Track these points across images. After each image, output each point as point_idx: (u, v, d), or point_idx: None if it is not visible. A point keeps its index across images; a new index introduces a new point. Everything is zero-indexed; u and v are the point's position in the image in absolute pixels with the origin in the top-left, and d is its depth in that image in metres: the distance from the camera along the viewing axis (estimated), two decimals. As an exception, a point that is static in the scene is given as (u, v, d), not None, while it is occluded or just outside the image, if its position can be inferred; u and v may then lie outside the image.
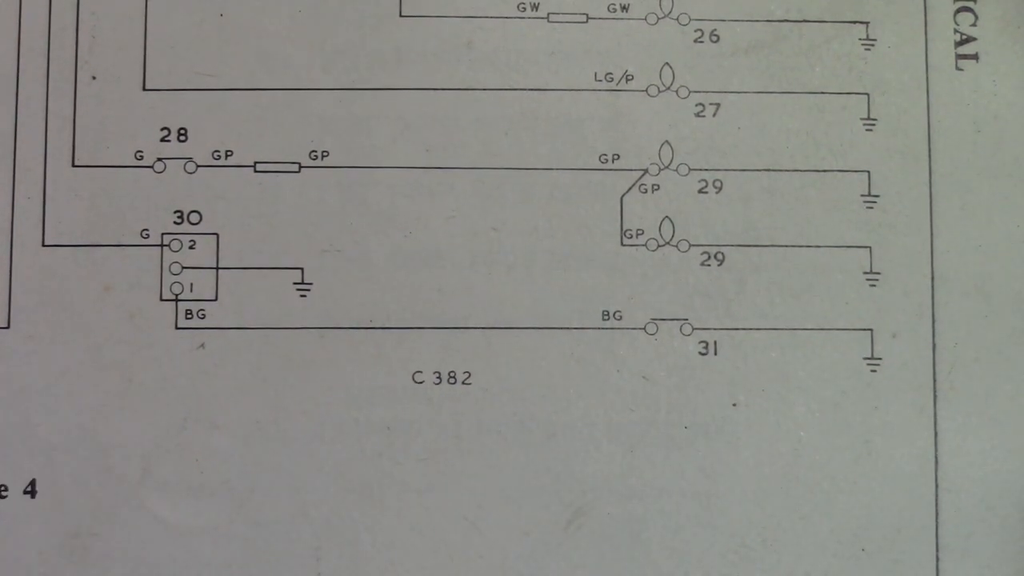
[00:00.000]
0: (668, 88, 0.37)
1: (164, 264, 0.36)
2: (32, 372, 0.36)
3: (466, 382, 0.36)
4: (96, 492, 0.35)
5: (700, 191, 0.37)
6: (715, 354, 0.36)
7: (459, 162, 0.37)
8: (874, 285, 0.37)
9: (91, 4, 0.37)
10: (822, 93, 0.37)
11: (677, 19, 0.38)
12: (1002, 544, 0.36)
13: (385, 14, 0.37)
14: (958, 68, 0.38)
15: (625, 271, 0.37)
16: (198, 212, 0.36)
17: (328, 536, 0.36)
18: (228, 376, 0.36)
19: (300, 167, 0.36)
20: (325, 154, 0.37)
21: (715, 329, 0.37)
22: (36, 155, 0.36)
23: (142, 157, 0.36)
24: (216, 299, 0.36)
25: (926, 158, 0.37)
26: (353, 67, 0.37)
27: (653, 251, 0.37)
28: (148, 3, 0.37)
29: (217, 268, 0.36)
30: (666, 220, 0.37)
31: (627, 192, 0.37)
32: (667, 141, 0.37)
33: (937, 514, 0.36)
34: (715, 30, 0.38)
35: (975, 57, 0.38)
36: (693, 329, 0.37)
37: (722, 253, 0.37)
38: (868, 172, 0.37)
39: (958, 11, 0.38)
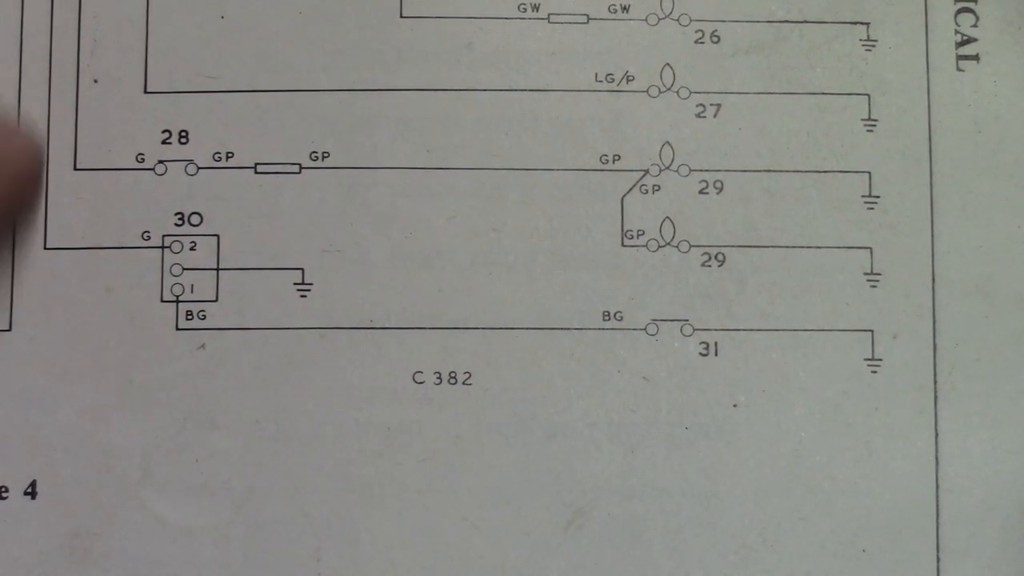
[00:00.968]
0: (669, 89, 0.37)
1: (165, 265, 0.36)
2: (34, 373, 0.36)
3: (466, 382, 0.36)
4: (96, 492, 0.36)
5: (701, 192, 0.37)
6: (716, 355, 0.36)
7: (459, 163, 0.37)
8: (875, 286, 0.37)
9: (93, 7, 0.37)
10: (823, 94, 0.37)
11: (678, 20, 0.38)
12: (1003, 545, 0.36)
13: (386, 15, 0.37)
14: (959, 69, 0.38)
15: (626, 272, 0.37)
16: (199, 214, 0.36)
17: (328, 536, 0.36)
18: (228, 376, 0.36)
19: (301, 168, 0.37)
20: (326, 155, 0.37)
21: (716, 330, 0.37)
22: (38, 157, 0.36)
23: (143, 160, 0.36)
24: (217, 300, 0.36)
25: (927, 159, 0.37)
26: (353, 68, 0.37)
27: (654, 252, 0.37)
28: (149, 6, 0.37)
29: (218, 269, 0.36)
30: (667, 221, 0.37)
31: (628, 193, 0.37)
32: (668, 142, 0.37)
33: (938, 515, 0.36)
34: (716, 31, 0.38)
35: (976, 58, 0.38)
36: (694, 330, 0.37)
37: (723, 254, 0.37)
38: (869, 173, 0.37)
39: (959, 12, 0.38)
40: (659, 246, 0.37)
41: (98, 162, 0.36)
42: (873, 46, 0.38)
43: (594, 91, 0.37)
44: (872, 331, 0.37)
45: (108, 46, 0.37)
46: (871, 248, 0.37)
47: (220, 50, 0.37)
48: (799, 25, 0.38)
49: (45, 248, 0.36)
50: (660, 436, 0.36)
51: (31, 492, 0.35)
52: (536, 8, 0.37)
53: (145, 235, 0.36)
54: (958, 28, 0.38)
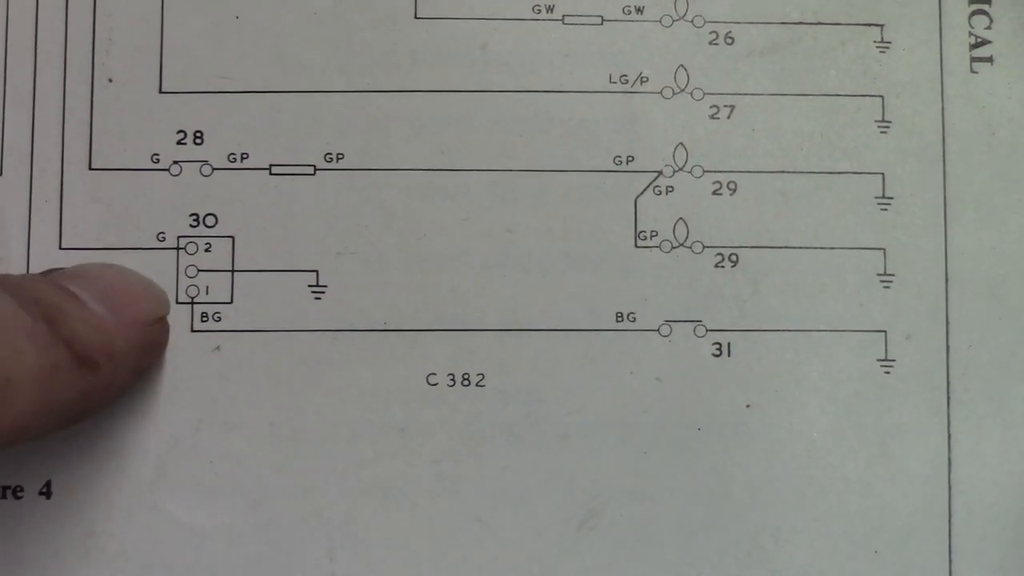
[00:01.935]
0: (683, 90, 0.37)
1: (180, 267, 0.36)
2: (48, 374, 0.36)
3: (480, 384, 0.36)
4: (111, 493, 0.36)
5: (714, 193, 0.37)
6: (729, 355, 0.37)
7: (474, 164, 0.37)
8: (888, 287, 0.37)
9: (108, 7, 0.37)
10: (837, 95, 0.37)
11: (692, 21, 0.38)
12: (1015, 546, 0.36)
13: (400, 16, 0.37)
14: (973, 71, 0.38)
15: (639, 273, 0.37)
16: (214, 215, 0.36)
17: (341, 536, 0.36)
18: (243, 378, 0.36)
19: (315, 169, 0.37)
20: (340, 156, 0.37)
21: (729, 331, 0.37)
22: (53, 158, 0.36)
23: (158, 160, 0.37)
24: (231, 302, 0.36)
25: (940, 160, 0.37)
26: (368, 69, 0.37)
27: (667, 253, 0.37)
28: (164, 6, 0.37)
29: (233, 271, 0.36)
30: (680, 222, 0.37)
31: (641, 194, 0.37)
32: (681, 143, 0.37)
33: (950, 516, 0.36)
34: (730, 32, 0.38)
35: (990, 60, 0.38)
36: (707, 331, 0.37)
37: (736, 255, 0.37)
38: (882, 174, 0.37)
39: (973, 14, 0.38)
40: (672, 247, 0.37)
41: (113, 162, 0.36)
42: (887, 48, 0.38)
43: (608, 92, 0.37)
44: (885, 332, 0.37)
45: (123, 46, 0.37)
46: (884, 249, 0.37)
47: (235, 51, 0.37)
48: (813, 27, 0.38)
49: (60, 248, 0.36)
50: (673, 437, 0.36)
51: (46, 492, 0.36)
52: (551, 9, 0.37)
53: (160, 236, 0.36)
54: (972, 30, 0.38)
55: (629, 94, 0.37)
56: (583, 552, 0.36)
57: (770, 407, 0.36)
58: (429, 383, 0.36)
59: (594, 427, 0.36)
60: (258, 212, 0.36)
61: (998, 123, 0.38)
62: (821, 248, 0.37)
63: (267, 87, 0.37)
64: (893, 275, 0.37)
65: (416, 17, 0.37)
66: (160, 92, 0.37)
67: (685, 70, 0.37)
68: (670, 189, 0.37)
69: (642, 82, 0.37)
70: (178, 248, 0.36)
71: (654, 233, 0.37)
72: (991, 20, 0.38)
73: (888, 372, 0.37)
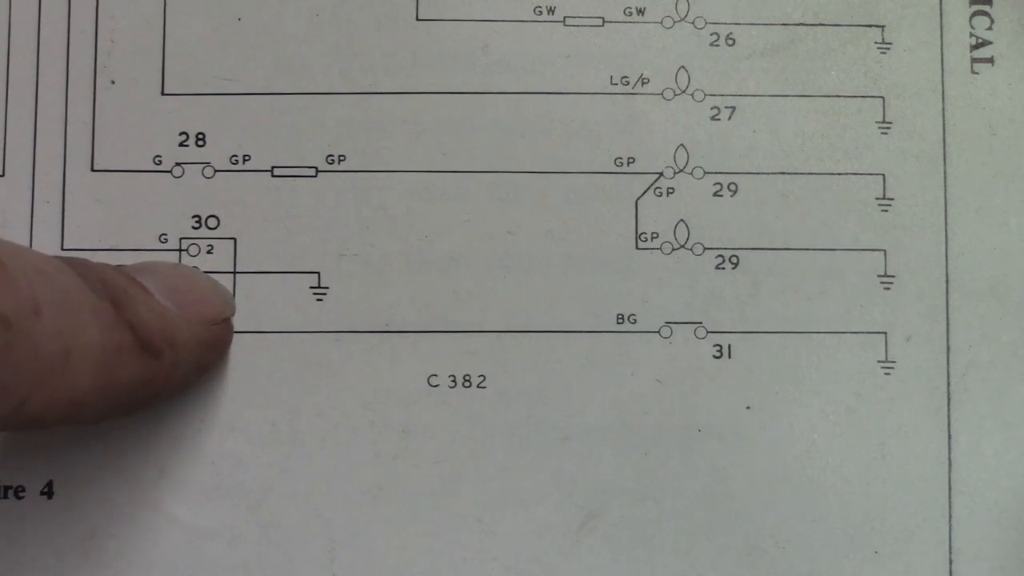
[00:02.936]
0: (684, 91, 0.37)
1: (182, 268, 0.36)
2: (50, 375, 0.36)
3: (481, 385, 0.36)
4: (113, 493, 0.36)
5: (715, 194, 0.37)
6: (729, 357, 0.37)
7: (475, 166, 0.37)
8: (888, 288, 0.37)
9: (110, 8, 0.37)
10: (837, 96, 0.37)
11: (693, 23, 0.38)
12: (1015, 547, 0.36)
13: (402, 18, 0.37)
14: (973, 71, 0.38)
15: (640, 274, 0.37)
16: (216, 216, 0.36)
17: (342, 538, 0.36)
18: (245, 379, 0.36)
19: (317, 171, 0.37)
20: (342, 158, 0.37)
21: (729, 332, 0.37)
22: (55, 159, 0.36)
23: (160, 162, 0.37)
24: (233, 303, 0.36)
25: (941, 161, 0.37)
26: (370, 71, 0.37)
27: (668, 254, 0.37)
28: (167, 8, 0.37)
29: (234, 272, 0.36)
30: (681, 223, 0.37)
31: (642, 195, 0.37)
32: (682, 144, 0.37)
33: (950, 517, 0.36)
34: (731, 33, 0.38)
35: (990, 61, 0.38)
36: (707, 332, 0.37)
37: (737, 256, 0.37)
38: (883, 175, 0.37)
39: (974, 15, 0.38)
40: (673, 248, 0.37)
41: (115, 164, 0.37)
42: (888, 49, 0.38)
43: (609, 94, 0.37)
44: (886, 333, 0.37)
45: (125, 48, 0.37)
46: (885, 250, 0.37)
47: (237, 53, 0.37)
48: (814, 28, 0.38)
49: (62, 249, 0.36)
50: (673, 438, 0.36)
51: (48, 492, 0.36)
52: (552, 11, 0.37)
53: (162, 237, 0.36)
54: (973, 31, 0.38)
55: (630, 95, 0.37)
56: (583, 553, 0.36)
57: (770, 408, 0.36)
58: (430, 384, 0.36)
59: (595, 428, 0.36)
60: (260, 214, 0.36)
61: (999, 124, 0.38)
62: (822, 249, 0.37)
63: (269, 89, 0.37)
64: (893, 276, 0.37)
65: (417, 19, 0.37)
66: (162, 94, 0.37)
67: (686, 71, 0.37)
68: (671, 191, 0.37)
69: (643, 83, 0.37)
70: (180, 250, 0.36)
71: (655, 235, 0.37)
72: (992, 21, 0.38)
73: (888, 373, 0.37)
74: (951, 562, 0.36)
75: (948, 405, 0.37)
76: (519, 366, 0.36)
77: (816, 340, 0.37)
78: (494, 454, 0.36)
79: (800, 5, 0.38)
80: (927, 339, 0.37)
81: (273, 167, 0.37)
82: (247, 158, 0.37)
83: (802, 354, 0.37)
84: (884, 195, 0.37)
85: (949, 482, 0.36)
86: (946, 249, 0.37)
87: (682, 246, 0.37)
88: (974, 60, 0.38)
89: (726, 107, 0.37)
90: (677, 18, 0.38)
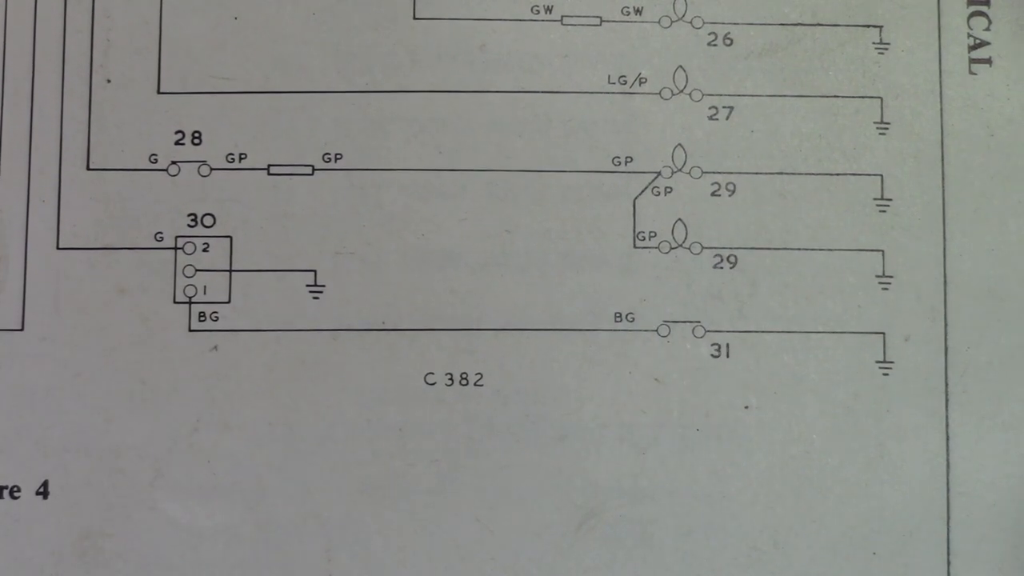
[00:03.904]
0: (681, 91, 0.37)
1: (178, 266, 0.36)
2: (45, 374, 0.36)
3: (478, 383, 0.36)
4: (108, 493, 0.36)
5: (713, 194, 0.37)
6: (727, 357, 0.36)
7: (472, 164, 0.37)
8: (886, 288, 0.37)
9: (106, 7, 0.37)
10: (835, 97, 0.37)
11: (691, 22, 0.38)
12: (1013, 548, 0.36)
13: (399, 16, 0.37)
14: (971, 72, 0.38)
15: (638, 273, 0.37)
16: (212, 215, 0.36)
17: (339, 537, 0.36)
18: (241, 378, 0.36)
19: (314, 169, 0.37)
20: (339, 156, 0.37)
21: (727, 332, 0.37)
22: (51, 158, 0.36)
23: (156, 160, 0.37)
24: (229, 301, 0.36)
25: (939, 162, 0.37)
26: (367, 69, 0.37)
27: (666, 253, 0.37)
28: (163, 6, 0.37)
29: (230, 270, 0.36)
30: (679, 223, 0.37)
31: (640, 194, 0.37)
32: (680, 144, 0.37)
33: (948, 518, 0.36)
34: (728, 33, 0.38)
35: (988, 61, 0.38)
36: (705, 331, 0.37)
37: (735, 256, 0.37)
38: (881, 176, 0.37)
39: (972, 15, 0.38)
40: (671, 248, 0.37)
41: (111, 162, 0.37)
42: (886, 49, 0.38)
43: (607, 93, 0.37)
44: (884, 333, 0.37)
45: (121, 46, 0.37)
46: (883, 251, 0.37)
47: (233, 51, 0.37)
48: (812, 28, 0.38)
49: (57, 248, 0.36)
50: (671, 438, 0.36)
51: (43, 492, 0.36)
52: (549, 10, 0.37)
53: (158, 236, 0.36)
54: (971, 31, 0.38)
55: (628, 95, 0.37)
56: (582, 553, 0.36)
57: (768, 408, 0.36)
58: (427, 383, 0.36)
59: (592, 427, 0.36)
60: (256, 212, 0.36)
61: (997, 124, 0.38)
62: (820, 249, 0.37)
63: (265, 87, 0.37)
64: (892, 277, 0.37)
65: (415, 18, 0.37)
66: (158, 92, 0.37)
67: (684, 71, 0.37)
68: (669, 190, 0.37)
69: (641, 83, 0.37)
70: (176, 248, 0.36)
71: (653, 234, 0.37)
72: (990, 22, 0.38)
73: (887, 374, 0.37)
74: (949, 563, 0.36)
75: (946, 406, 0.36)
76: (517, 365, 0.36)
77: (814, 340, 0.37)
78: (492, 453, 0.36)
79: (798, 5, 0.38)
80: (925, 340, 0.37)
81: (269, 165, 0.37)
82: (243, 156, 0.37)
83: (800, 354, 0.36)
84: (882, 195, 0.37)
85: (947, 483, 0.36)
86: (944, 249, 0.37)
87: (680, 245, 0.37)
88: (972, 61, 0.38)
89: (724, 107, 0.37)
90: (675, 17, 0.38)
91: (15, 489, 0.36)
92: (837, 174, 0.37)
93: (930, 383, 0.37)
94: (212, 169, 0.37)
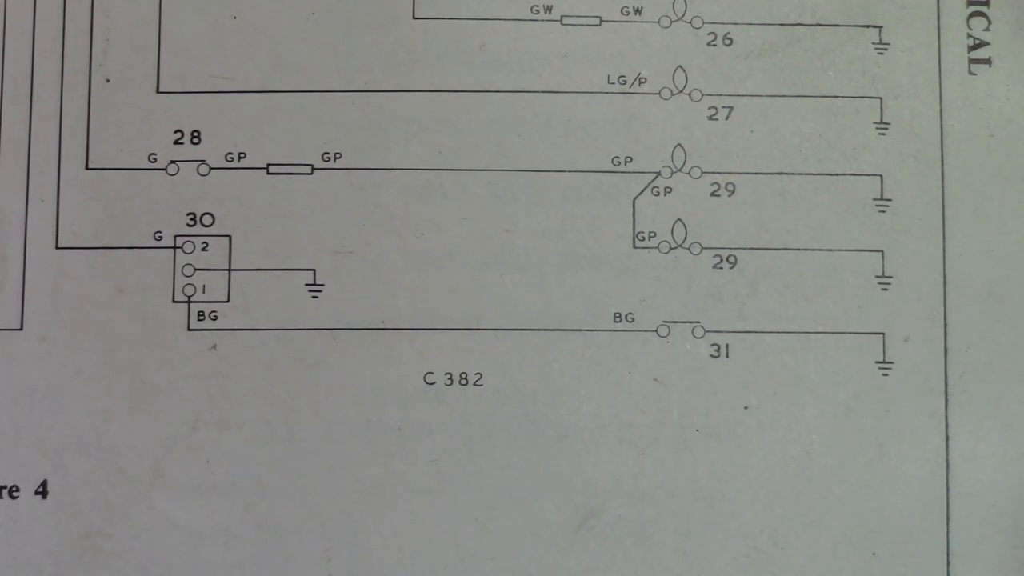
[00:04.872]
0: (681, 91, 0.37)
1: (177, 266, 0.36)
2: (44, 373, 0.36)
3: (477, 383, 0.36)
4: (107, 493, 0.36)
5: (713, 194, 0.37)
6: (727, 357, 0.36)
7: (472, 164, 0.37)
8: (886, 289, 0.37)
9: (105, 6, 0.37)
10: (835, 97, 0.37)
11: (690, 22, 0.38)
12: (1013, 548, 0.36)
13: (398, 16, 0.37)
14: (971, 72, 0.38)
15: (637, 273, 0.37)
16: (211, 214, 0.36)
17: (338, 537, 0.36)
18: (240, 377, 0.36)
19: (313, 169, 0.37)
20: (338, 156, 0.37)
21: (727, 332, 0.37)
22: (50, 157, 0.36)
23: (155, 159, 0.37)
24: (228, 300, 0.36)
25: (939, 162, 0.37)
26: (366, 69, 0.37)
27: (665, 254, 0.37)
28: (162, 5, 0.37)
29: (229, 270, 0.36)
30: (678, 223, 0.37)
31: (639, 195, 0.37)
32: (680, 144, 0.37)
33: (948, 518, 0.36)
34: (728, 33, 0.38)
35: (988, 61, 0.38)
36: (705, 332, 0.37)
37: (734, 256, 0.37)
38: (881, 176, 0.37)
39: (971, 15, 0.38)
40: (671, 248, 0.37)
41: (110, 162, 0.37)
42: (885, 49, 0.38)
43: (606, 93, 0.37)
44: (883, 334, 0.37)
45: (121, 46, 0.37)
46: (883, 251, 0.37)
47: (233, 50, 0.37)
48: (812, 28, 0.38)
49: (56, 247, 0.36)
50: (671, 438, 0.36)
51: (42, 492, 0.35)
52: (549, 10, 0.37)
53: (157, 235, 0.36)
54: (970, 32, 0.38)
55: (627, 95, 0.37)
56: (581, 553, 0.36)
57: (768, 409, 0.36)
58: (427, 382, 0.36)
59: (592, 428, 0.36)
60: (255, 211, 0.36)
61: (996, 125, 0.38)
62: (819, 250, 0.37)
63: (265, 87, 0.37)
64: (891, 277, 0.37)
65: (414, 17, 0.37)
66: (157, 92, 0.37)
67: (683, 71, 0.37)
68: (668, 190, 0.37)
69: (640, 83, 0.37)
70: (175, 247, 0.36)
71: (652, 234, 0.37)
72: (989, 22, 0.38)
73: (886, 374, 0.37)
74: (949, 564, 0.36)
75: (946, 406, 0.36)
76: (516, 364, 0.36)
77: (814, 340, 0.37)
78: (491, 453, 0.36)
79: (798, 5, 0.38)
80: (925, 340, 0.37)
81: (269, 165, 0.37)
82: (243, 156, 0.37)
83: (800, 354, 0.36)
84: (882, 196, 0.37)
85: (947, 483, 0.36)
86: (944, 250, 0.37)
87: (679, 245, 0.37)
88: (972, 61, 0.38)
89: (724, 107, 0.37)
90: (674, 17, 0.38)
91: (14, 489, 0.35)
92: (837, 174, 0.37)
93: (930, 383, 0.37)
94: (211, 168, 0.37)
